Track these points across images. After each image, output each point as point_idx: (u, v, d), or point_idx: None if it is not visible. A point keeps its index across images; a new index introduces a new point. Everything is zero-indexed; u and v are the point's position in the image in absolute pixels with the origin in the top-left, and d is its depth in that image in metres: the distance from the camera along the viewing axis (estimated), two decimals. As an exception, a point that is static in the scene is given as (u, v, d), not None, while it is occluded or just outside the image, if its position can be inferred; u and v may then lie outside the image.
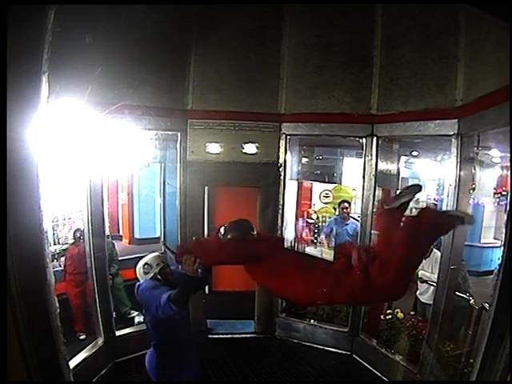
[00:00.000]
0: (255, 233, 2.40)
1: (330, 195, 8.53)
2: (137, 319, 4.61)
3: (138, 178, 7.10)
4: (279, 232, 4.65)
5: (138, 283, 2.69)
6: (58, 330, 1.34)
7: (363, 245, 2.35)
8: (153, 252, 2.88)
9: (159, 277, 2.65)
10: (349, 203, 5.69)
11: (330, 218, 7.86)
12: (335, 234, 5.60)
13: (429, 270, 4.39)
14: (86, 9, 3.19)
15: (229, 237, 2.31)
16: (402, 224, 1.94)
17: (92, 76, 3.33)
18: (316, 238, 8.74)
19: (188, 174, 4.51)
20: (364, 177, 4.36)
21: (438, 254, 4.27)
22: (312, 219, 8.84)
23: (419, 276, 4.42)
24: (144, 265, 2.67)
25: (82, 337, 4.31)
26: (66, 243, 5.17)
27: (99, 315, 3.92)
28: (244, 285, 4.61)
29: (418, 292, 4.60)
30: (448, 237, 3.51)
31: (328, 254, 5.75)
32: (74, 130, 3.43)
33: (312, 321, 4.74)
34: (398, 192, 2.10)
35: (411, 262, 1.90)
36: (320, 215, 8.58)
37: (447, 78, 3.56)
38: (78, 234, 4.40)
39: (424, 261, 4.51)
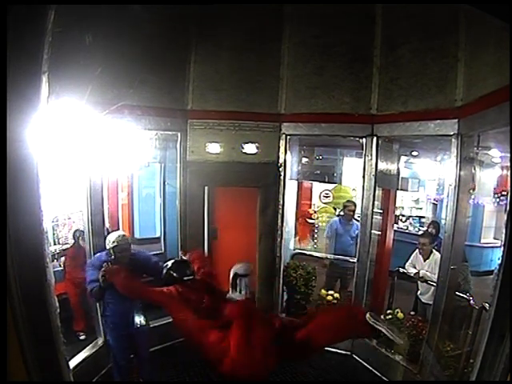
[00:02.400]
0: (191, 275, 2.80)
1: (329, 195, 8.54)
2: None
3: (138, 178, 7.08)
4: (279, 232, 4.65)
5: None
6: (58, 330, 1.34)
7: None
8: (119, 231, 3.44)
9: (112, 252, 3.16)
10: (354, 204, 5.47)
11: (329, 218, 7.87)
12: (338, 235, 5.54)
13: (429, 270, 4.39)
14: (86, 9, 3.19)
15: (170, 272, 2.79)
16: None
17: (92, 76, 3.33)
18: (316, 238, 8.75)
19: (188, 174, 4.51)
20: (364, 177, 4.36)
21: (438, 255, 4.28)
22: (312, 219, 8.85)
23: (420, 276, 4.43)
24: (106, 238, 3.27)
25: (82, 337, 4.31)
26: (66, 243, 5.16)
27: (99, 315, 3.91)
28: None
29: (418, 292, 4.61)
30: (448, 237, 3.51)
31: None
32: (74, 129, 3.42)
33: (312, 321, 4.73)
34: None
35: None
36: (320, 215, 8.59)
37: (447, 78, 3.56)
38: (78, 235, 4.39)
39: (424, 262, 4.52)
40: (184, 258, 3.22)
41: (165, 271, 2.85)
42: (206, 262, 3.39)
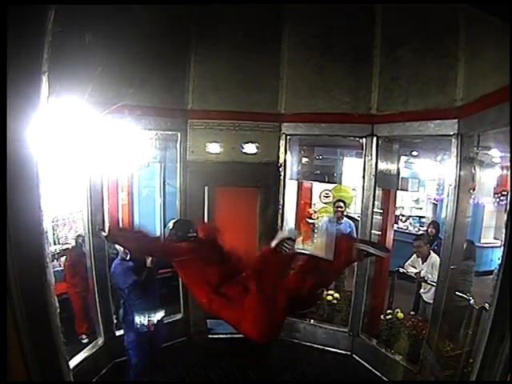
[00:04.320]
0: (194, 233, 2.77)
1: (329, 195, 8.53)
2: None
3: (138, 178, 7.09)
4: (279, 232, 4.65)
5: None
6: (58, 330, 1.34)
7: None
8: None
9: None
10: (344, 203, 5.56)
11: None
12: (329, 234, 5.55)
13: (428, 270, 4.40)
14: (86, 9, 3.19)
15: (172, 231, 2.74)
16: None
17: (92, 76, 3.33)
18: (316, 238, 8.72)
19: (188, 174, 4.51)
20: (364, 177, 4.36)
21: (436, 257, 4.29)
22: (312, 219, 8.84)
23: (421, 276, 4.44)
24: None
25: (85, 340, 4.21)
26: (66, 243, 5.15)
27: (99, 315, 3.92)
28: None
29: (421, 290, 4.62)
30: (448, 237, 3.51)
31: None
32: (74, 129, 3.42)
33: (312, 321, 4.73)
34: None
35: None
36: (320, 215, 8.58)
37: (447, 78, 3.56)
38: (81, 240, 4.28)
39: (422, 265, 4.53)
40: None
41: (167, 231, 2.81)
42: (208, 224, 3.33)
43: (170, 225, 2.84)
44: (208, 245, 2.71)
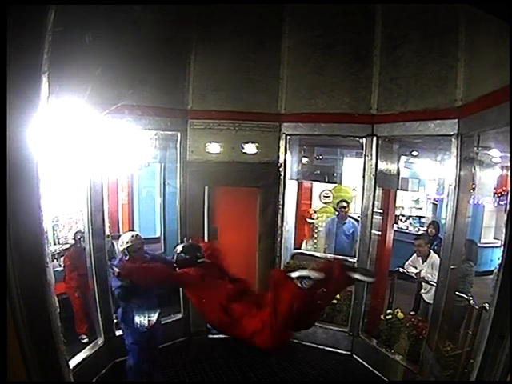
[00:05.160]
0: (202, 257, 2.86)
1: (329, 195, 8.54)
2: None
3: (138, 178, 7.11)
4: (279, 232, 4.66)
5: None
6: (58, 330, 1.34)
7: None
8: (131, 232, 3.47)
9: (126, 252, 3.22)
10: (347, 203, 5.64)
11: (328, 217, 7.86)
12: (332, 234, 5.59)
13: (428, 270, 4.40)
14: (86, 9, 3.19)
15: (181, 256, 2.84)
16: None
17: (92, 76, 3.33)
18: (315, 238, 8.74)
19: (188, 174, 4.51)
20: (364, 177, 4.35)
21: (436, 257, 4.29)
22: (312, 219, 8.84)
23: (421, 276, 4.44)
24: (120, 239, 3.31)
25: (85, 340, 4.21)
26: (66, 243, 5.15)
27: (99, 315, 3.92)
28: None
29: (422, 291, 4.62)
30: (448, 237, 3.51)
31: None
32: (74, 129, 3.42)
33: (312, 321, 4.73)
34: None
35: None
36: (320, 215, 8.59)
37: (447, 78, 3.56)
38: (79, 236, 4.33)
39: (422, 264, 4.53)
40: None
41: (176, 256, 2.88)
42: (212, 245, 3.45)
43: (179, 249, 2.91)
44: (215, 268, 2.82)
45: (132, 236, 3.31)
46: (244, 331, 2.43)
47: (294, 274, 2.45)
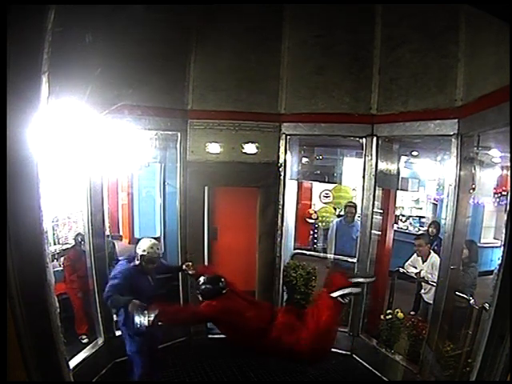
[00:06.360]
0: (225, 286, 2.91)
1: (329, 195, 8.55)
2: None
3: (138, 178, 7.09)
4: (279, 232, 4.65)
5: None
6: (58, 330, 1.34)
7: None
8: (152, 240, 3.30)
9: (139, 258, 3.14)
10: (355, 208, 5.45)
11: (328, 217, 7.86)
12: (339, 236, 5.53)
13: (428, 270, 4.40)
14: (86, 9, 3.19)
15: (207, 286, 2.90)
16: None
17: (92, 76, 3.33)
18: (316, 239, 8.75)
19: (188, 174, 4.50)
20: (364, 177, 4.35)
21: (436, 257, 4.28)
22: (312, 219, 8.85)
23: (421, 276, 4.43)
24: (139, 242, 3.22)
25: (85, 340, 4.21)
26: (66, 243, 5.15)
27: (99, 315, 3.92)
28: (244, 284, 4.59)
29: (422, 291, 4.61)
30: (448, 237, 3.51)
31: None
32: (74, 129, 3.43)
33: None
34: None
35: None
36: (320, 215, 8.60)
37: (447, 78, 3.56)
38: (80, 239, 4.29)
39: (422, 264, 4.53)
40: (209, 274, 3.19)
41: (202, 287, 2.91)
42: (211, 269, 3.60)
43: (201, 280, 2.95)
44: (235, 294, 2.93)
45: (151, 246, 3.16)
46: (286, 346, 2.56)
47: (346, 290, 2.58)
